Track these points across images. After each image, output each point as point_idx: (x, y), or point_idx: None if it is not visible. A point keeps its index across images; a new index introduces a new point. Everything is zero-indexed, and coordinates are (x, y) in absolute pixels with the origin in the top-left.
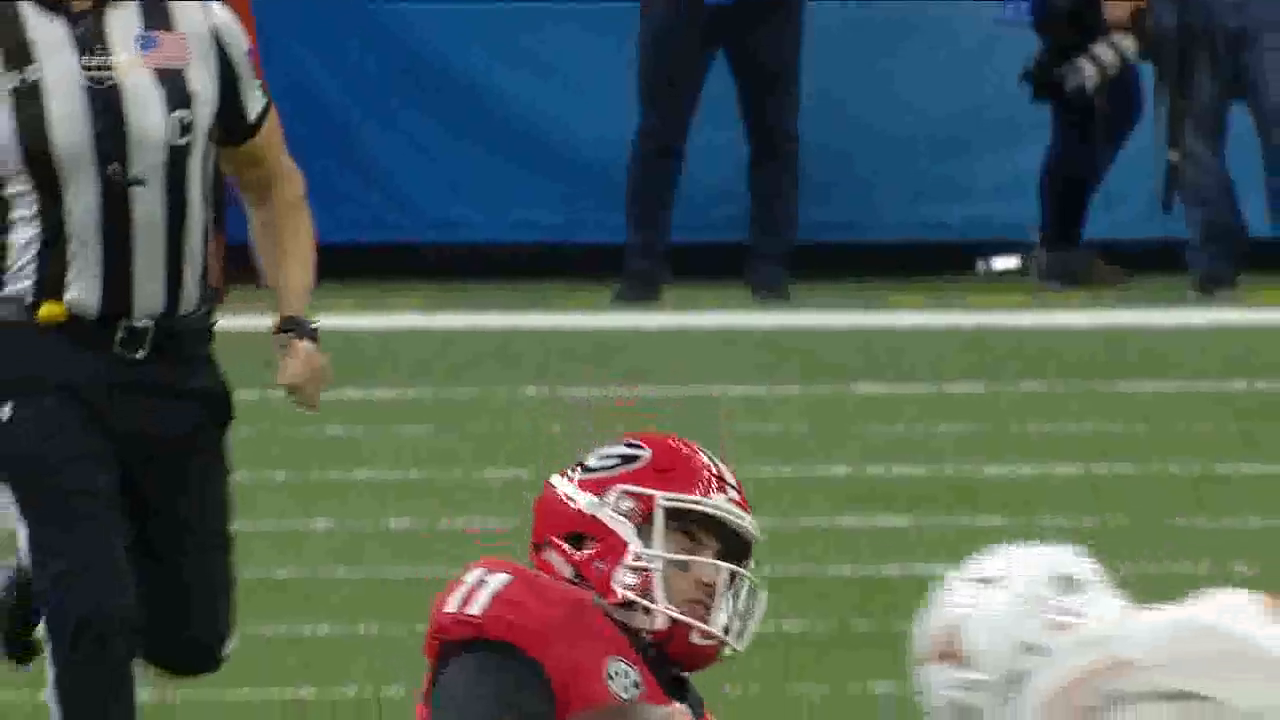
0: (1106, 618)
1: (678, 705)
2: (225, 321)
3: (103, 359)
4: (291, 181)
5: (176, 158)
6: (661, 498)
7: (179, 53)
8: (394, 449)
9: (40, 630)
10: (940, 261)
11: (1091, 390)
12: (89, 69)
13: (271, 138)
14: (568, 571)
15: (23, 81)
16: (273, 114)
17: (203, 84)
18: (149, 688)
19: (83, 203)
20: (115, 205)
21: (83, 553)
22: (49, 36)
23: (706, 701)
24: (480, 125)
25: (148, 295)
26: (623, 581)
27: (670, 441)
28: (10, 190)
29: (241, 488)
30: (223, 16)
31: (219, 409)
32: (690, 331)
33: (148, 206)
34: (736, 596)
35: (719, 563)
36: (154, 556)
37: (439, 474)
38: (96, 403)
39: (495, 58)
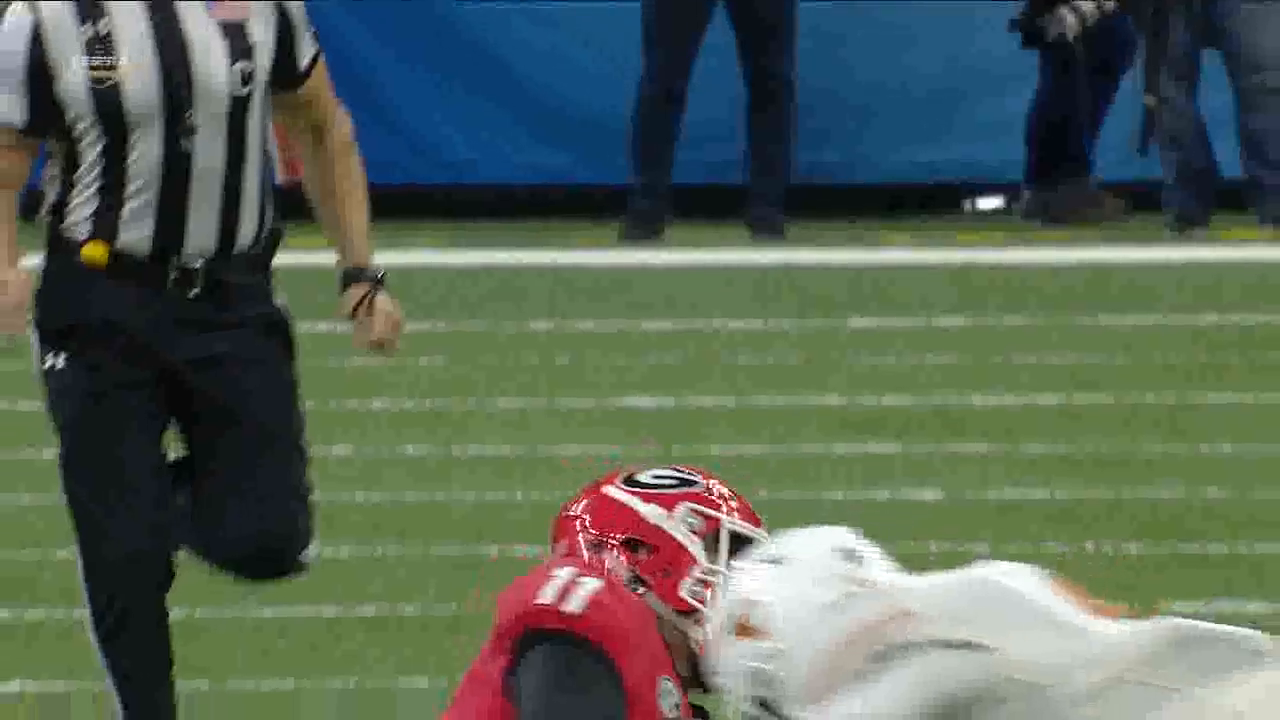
0: (890, 580)
1: None
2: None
3: (157, 297)
4: (341, 125)
5: (237, 107)
6: (726, 520)
7: (241, 6)
8: (410, 379)
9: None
10: (929, 201)
11: (1072, 323)
12: (157, 22)
13: (321, 83)
14: (625, 574)
15: (95, 33)
16: (322, 61)
17: (262, 36)
18: (175, 608)
19: (146, 150)
20: (177, 153)
21: (114, 510)
22: None
23: None
24: (490, 74)
25: (200, 236)
26: (690, 590)
27: (715, 477)
28: (77, 137)
29: None
30: None
31: (279, 333)
32: (691, 268)
33: (208, 153)
34: None
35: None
36: (231, 462)
37: (452, 403)
38: (151, 344)
39: (506, 5)
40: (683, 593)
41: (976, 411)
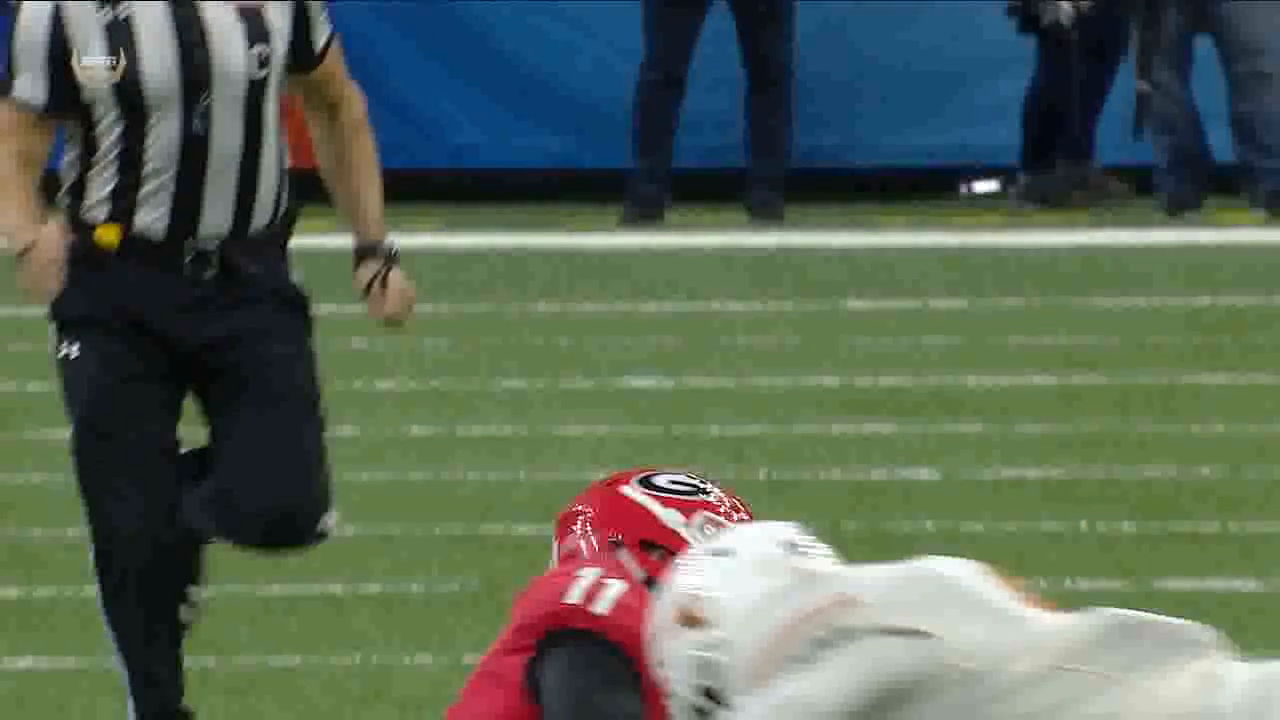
0: (832, 570)
1: None
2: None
3: (173, 281)
4: (354, 103)
5: (255, 90)
6: None
7: None
8: (414, 361)
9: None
10: (925, 185)
11: (1066, 305)
12: (175, 6)
13: (335, 64)
14: (639, 574)
15: (115, 17)
16: (336, 42)
17: (278, 19)
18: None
19: (164, 133)
20: (194, 136)
21: (124, 495)
22: None
23: None
24: (494, 60)
25: (215, 219)
26: None
27: (722, 487)
28: (95, 120)
29: None
30: None
31: (296, 307)
32: (691, 251)
33: (225, 137)
34: None
35: None
36: (250, 429)
37: (456, 384)
38: (167, 329)
39: None
40: None
41: (972, 392)
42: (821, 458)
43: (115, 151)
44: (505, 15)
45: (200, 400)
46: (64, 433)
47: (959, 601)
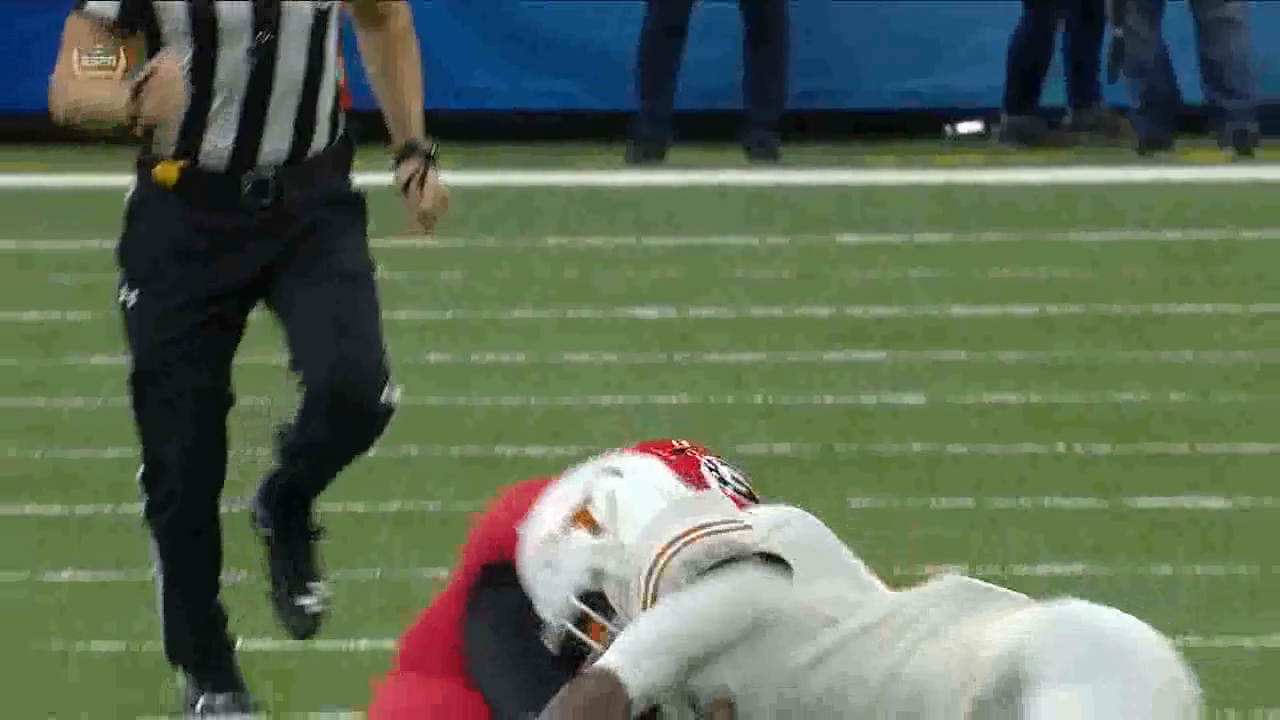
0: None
1: None
2: None
3: (229, 215)
4: (401, 13)
5: (320, 20)
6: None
7: None
8: (430, 291)
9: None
10: (913, 126)
11: (1045, 239)
12: None
13: None
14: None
15: None
16: None
17: None
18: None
19: (232, 64)
20: (261, 66)
21: (174, 431)
22: None
23: None
24: (506, 7)
25: (275, 145)
26: None
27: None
28: (165, 46)
29: None
30: None
31: (348, 201)
32: (691, 188)
33: (290, 66)
34: None
35: None
36: (310, 306)
37: (470, 314)
38: (224, 264)
39: None
40: None
41: (957, 321)
42: (815, 384)
43: (185, 80)
44: None
45: (267, 303)
46: (102, 359)
47: (829, 558)
